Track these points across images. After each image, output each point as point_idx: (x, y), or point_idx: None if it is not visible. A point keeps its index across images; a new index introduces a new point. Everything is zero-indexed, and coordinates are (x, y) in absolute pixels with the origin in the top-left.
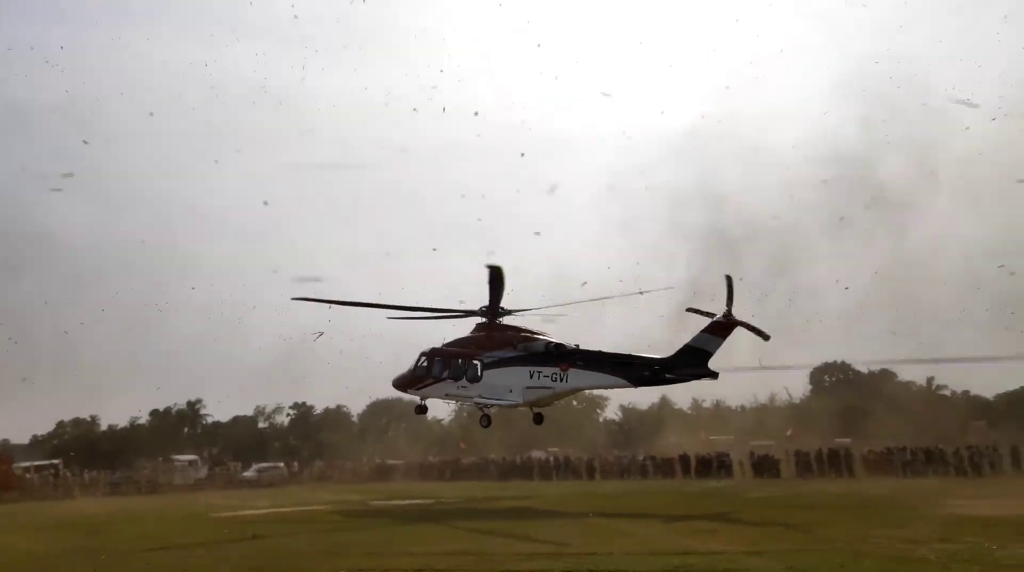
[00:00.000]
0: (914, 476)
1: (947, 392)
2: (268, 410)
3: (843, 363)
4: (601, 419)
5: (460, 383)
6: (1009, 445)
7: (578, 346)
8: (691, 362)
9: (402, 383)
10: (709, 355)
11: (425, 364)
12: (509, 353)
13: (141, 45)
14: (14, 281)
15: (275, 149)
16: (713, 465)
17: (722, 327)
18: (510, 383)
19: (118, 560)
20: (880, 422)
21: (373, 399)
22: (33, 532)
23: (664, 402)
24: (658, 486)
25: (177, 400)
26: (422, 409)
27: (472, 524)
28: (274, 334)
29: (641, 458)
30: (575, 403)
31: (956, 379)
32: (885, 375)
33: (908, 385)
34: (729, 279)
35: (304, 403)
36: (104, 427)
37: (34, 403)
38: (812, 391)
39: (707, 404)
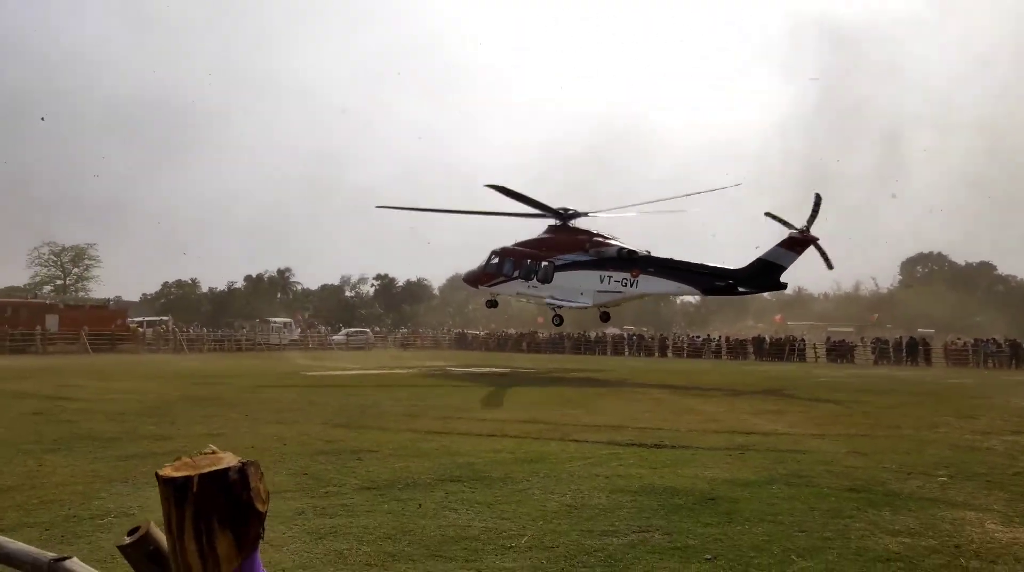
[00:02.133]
0: (998, 370)
1: None
2: (353, 280)
3: (939, 254)
4: (678, 301)
5: (531, 283)
6: None
7: (649, 252)
8: (764, 275)
9: (473, 279)
10: (782, 269)
11: (496, 261)
12: (581, 256)
13: None
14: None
15: None
16: (786, 348)
17: (798, 243)
18: (581, 286)
19: (234, 400)
20: (972, 314)
21: (452, 273)
22: (158, 380)
23: None
24: (729, 367)
25: (268, 268)
26: (493, 303)
27: (542, 392)
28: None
29: (715, 338)
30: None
31: None
32: (984, 267)
33: (1007, 279)
34: (817, 197)
35: (387, 275)
36: (204, 289)
37: (142, 265)
38: (902, 282)
39: (789, 291)
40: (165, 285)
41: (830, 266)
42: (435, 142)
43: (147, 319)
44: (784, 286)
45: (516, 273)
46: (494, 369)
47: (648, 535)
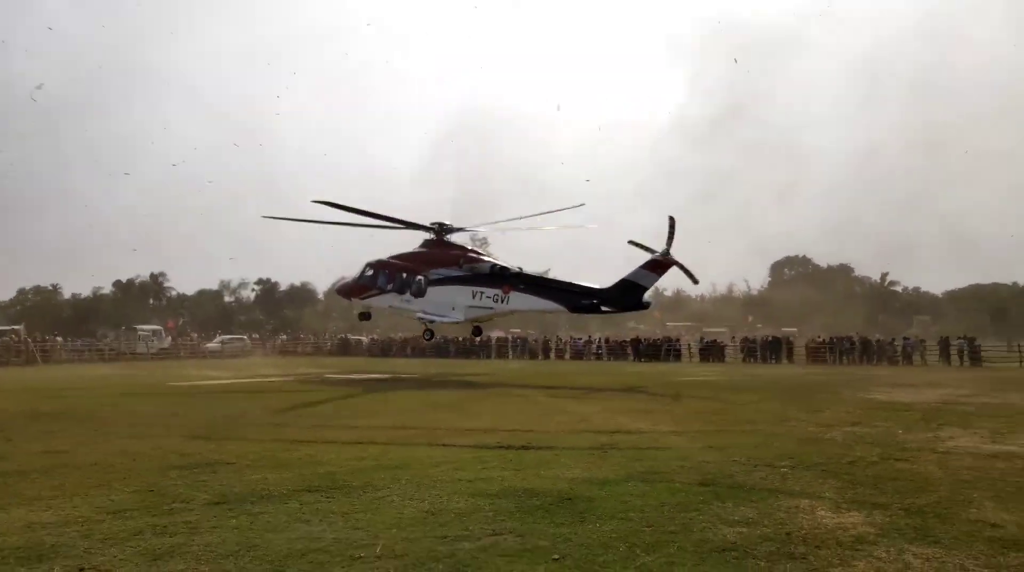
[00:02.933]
0: (851, 365)
1: (899, 288)
2: (233, 285)
3: (803, 257)
4: None
5: (404, 297)
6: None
7: (521, 269)
8: (627, 295)
9: (346, 290)
10: (644, 289)
11: (371, 274)
12: (454, 271)
13: None
14: None
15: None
16: (663, 349)
17: (659, 265)
18: (453, 301)
19: (84, 414)
20: (832, 314)
21: (338, 277)
22: None
23: None
24: (608, 367)
25: (140, 272)
26: (366, 316)
27: (419, 397)
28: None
29: (596, 340)
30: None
31: (908, 276)
32: (843, 269)
33: (863, 280)
34: (672, 219)
35: (269, 279)
36: (67, 296)
37: None
38: (771, 283)
39: (668, 293)
40: (21, 291)
41: (695, 281)
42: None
43: None
44: (646, 305)
45: (390, 286)
46: (373, 375)
47: (500, 538)
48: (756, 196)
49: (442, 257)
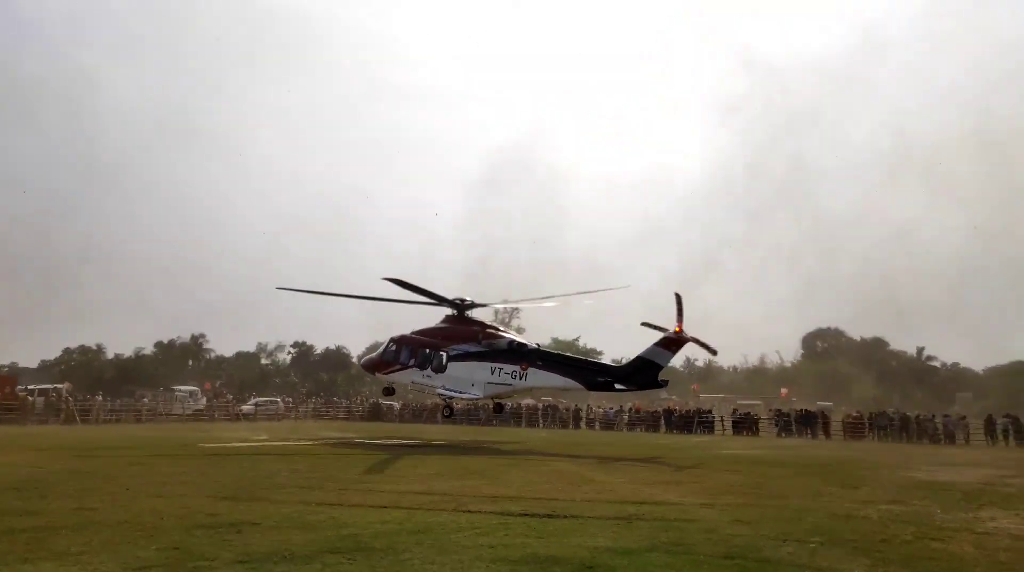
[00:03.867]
0: (890, 441)
1: (936, 363)
2: (270, 347)
3: (836, 329)
4: None
5: (425, 372)
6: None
7: (539, 346)
8: (642, 373)
9: (371, 365)
10: (660, 368)
11: (394, 349)
12: (473, 347)
13: None
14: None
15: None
16: (695, 420)
17: (673, 342)
18: (472, 377)
19: (117, 473)
20: (867, 388)
21: (372, 341)
22: (37, 452)
23: None
24: (638, 438)
25: (181, 333)
26: (390, 391)
27: (446, 463)
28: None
29: (627, 409)
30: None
31: (946, 352)
32: (877, 343)
33: (899, 354)
34: (678, 297)
35: (304, 342)
36: (110, 356)
37: (44, 331)
38: (804, 356)
39: (700, 364)
40: (66, 351)
41: (713, 353)
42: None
43: (39, 387)
44: (663, 384)
45: (412, 362)
46: (403, 441)
47: None
48: (786, 264)
49: (462, 333)
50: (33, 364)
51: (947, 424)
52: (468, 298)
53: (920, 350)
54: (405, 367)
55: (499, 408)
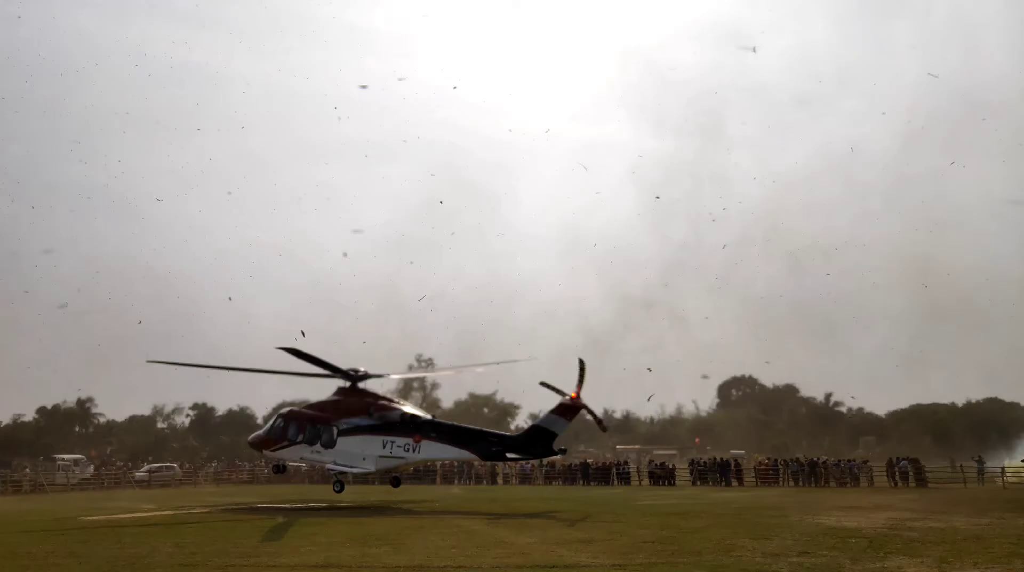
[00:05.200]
0: (800, 486)
1: (843, 408)
2: (167, 410)
3: (750, 377)
4: (513, 427)
5: (314, 447)
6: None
7: (433, 417)
8: (538, 442)
9: (258, 442)
10: (555, 436)
11: (281, 425)
12: (364, 421)
13: None
14: None
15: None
16: (612, 473)
17: (569, 409)
18: (364, 451)
19: None
20: (779, 434)
21: (279, 401)
22: None
23: None
24: (554, 492)
25: (67, 397)
26: (280, 468)
27: (351, 528)
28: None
29: (543, 464)
30: (486, 410)
31: (853, 397)
32: (788, 390)
33: (808, 400)
34: (581, 362)
35: (205, 404)
36: None
37: None
38: (719, 404)
39: (617, 414)
40: None
41: (603, 429)
42: None
43: None
44: (560, 452)
45: (300, 437)
46: (307, 504)
47: None
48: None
49: (353, 406)
50: None
51: (852, 468)
52: (362, 369)
53: (828, 396)
54: (293, 443)
55: (396, 481)
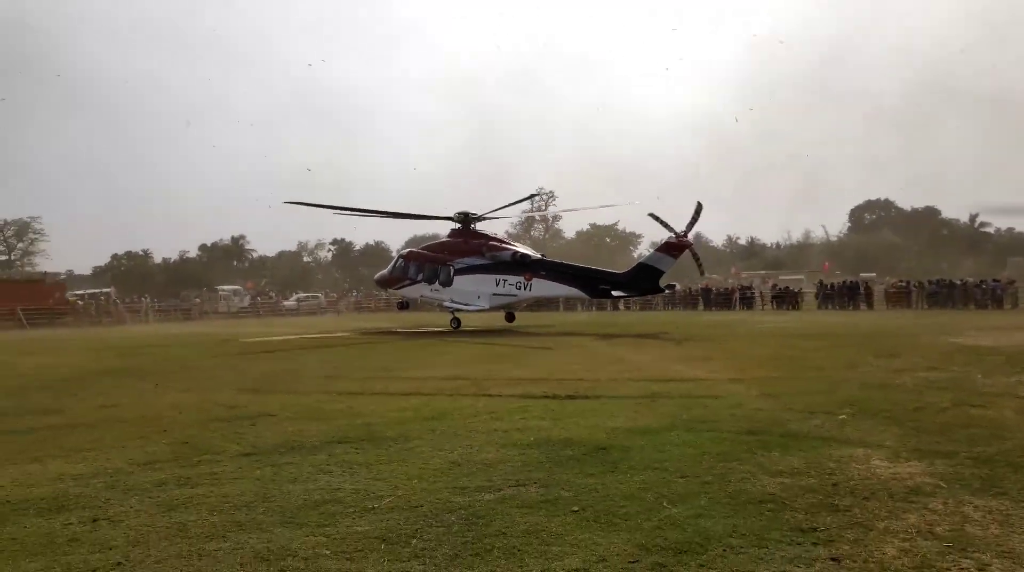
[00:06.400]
0: (935, 309)
1: (990, 229)
2: (311, 246)
3: (886, 200)
4: (635, 254)
5: (433, 286)
6: None
7: (543, 256)
8: (643, 279)
9: (383, 281)
10: (661, 273)
11: (403, 265)
12: (478, 260)
13: None
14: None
15: None
16: (735, 298)
17: (674, 247)
18: (478, 289)
19: (153, 370)
20: (916, 258)
21: (411, 235)
22: (83, 353)
23: (697, 239)
24: (675, 317)
25: (223, 236)
26: (404, 305)
27: (478, 348)
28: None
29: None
30: (608, 239)
31: (1002, 217)
32: (929, 212)
33: (951, 222)
34: (699, 205)
35: (343, 239)
36: (158, 260)
37: (96, 238)
38: (851, 229)
39: (742, 241)
40: (115, 257)
41: (702, 272)
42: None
43: (88, 292)
44: (663, 290)
45: (420, 277)
46: (439, 329)
47: (523, 489)
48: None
49: (467, 247)
50: (87, 271)
51: (995, 288)
52: (472, 212)
53: (974, 217)
54: (414, 282)
55: (511, 317)
